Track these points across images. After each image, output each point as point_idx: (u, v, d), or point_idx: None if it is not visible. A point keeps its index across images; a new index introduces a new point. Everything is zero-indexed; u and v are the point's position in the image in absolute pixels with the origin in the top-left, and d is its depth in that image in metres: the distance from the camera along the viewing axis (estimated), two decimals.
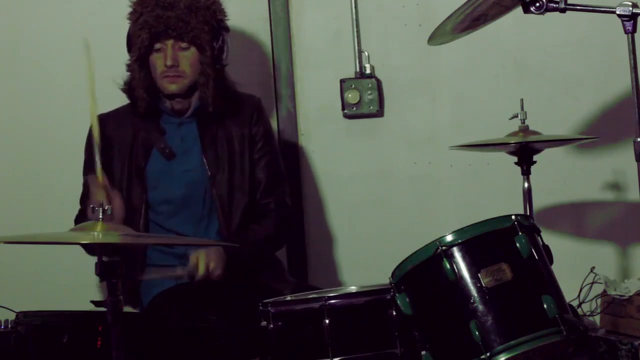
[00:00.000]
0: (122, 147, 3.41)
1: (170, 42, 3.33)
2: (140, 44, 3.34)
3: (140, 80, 3.37)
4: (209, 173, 3.38)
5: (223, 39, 3.40)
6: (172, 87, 3.35)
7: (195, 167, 3.38)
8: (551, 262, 2.82)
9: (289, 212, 3.51)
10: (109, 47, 3.85)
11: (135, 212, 3.36)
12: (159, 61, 3.34)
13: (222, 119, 3.42)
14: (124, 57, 3.45)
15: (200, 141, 3.40)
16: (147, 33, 3.32)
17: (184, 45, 3.34)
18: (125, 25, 3.44)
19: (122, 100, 3.48)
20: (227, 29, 3.43)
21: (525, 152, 3.47)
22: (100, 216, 2.53)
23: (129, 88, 3.41)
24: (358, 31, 3.98)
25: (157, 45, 3.34)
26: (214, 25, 3.38)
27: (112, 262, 2.52)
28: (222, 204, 3.37)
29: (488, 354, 2.63)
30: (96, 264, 2.53)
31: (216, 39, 3.38)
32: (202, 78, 3.36)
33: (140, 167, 3.39)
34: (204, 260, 3.17)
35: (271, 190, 3.45)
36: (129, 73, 3.41)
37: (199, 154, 3.40)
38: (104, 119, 3.44)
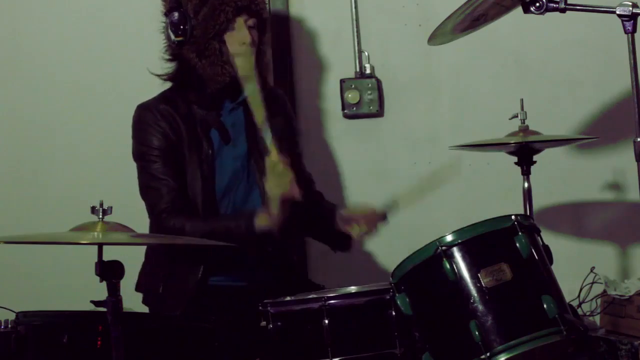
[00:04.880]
0: (180, 132, 3.31)
1: (242, 20, 3.29)
2: (224, 18, 3.26)
3: (223, 56, 3.26)
4: (253, 159, 3.34)
5: None
6: (247, 66, 3.26)
7: (242, 154, 3.35)
8: (551, 262, 2.82)
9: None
10: (112, 45, 3.89)
11: (212, 201, 3.30)
12: (230, 39, 3.28)
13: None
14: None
15: (246, 128, 3.37)
16: (232, 7, 3.26)
17: (250, 23, 3.29)
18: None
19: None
20: None
21: (525, 152, 3.47)
22: (100, 216, 2.53)
23: (182, 73, 3.33)
24: (358, 31, 3.99)
25: (231, 23, 3.28)
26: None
27: (112, 262, 2.53)
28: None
29: (488, 354, 2.63)
30: (96, 263, 2.54)
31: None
32: (262, 60, 3.35)
33: (209, 153, 3.31)
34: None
35: (311, 180, 3.49)
36: (186, 58, 3.30)
37: (245, 141, 3.36)
38: (150, 107, 3.33)
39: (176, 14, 3.30)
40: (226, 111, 3.36)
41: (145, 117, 3.32)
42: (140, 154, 3.32)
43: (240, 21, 3.29)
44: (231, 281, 3.33)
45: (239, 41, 3.28)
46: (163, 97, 3.37)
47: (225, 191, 3.33)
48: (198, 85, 3.31)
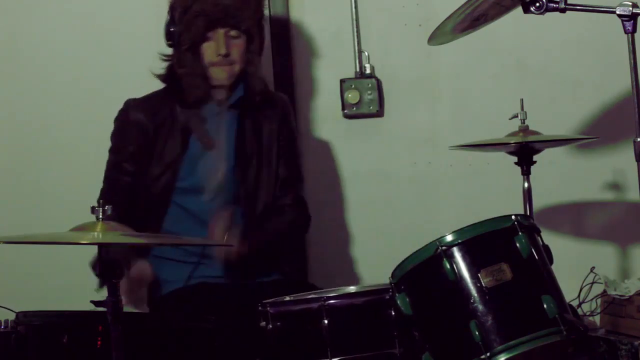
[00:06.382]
0: (158, 133, 3.37)
1: (222, 31, 3.32)
2: (195, 31, 3.31)
3: (196, 68, 3.33)
4: (238, 165, 3.37)
5: (264, 30, 3.44)
6: (222, 76, 3.34)
7: (228, 157, 3.37)
8: (551, 262, 2.82)
9: (306, 207, 3.53)
10: (113, 41, 3.89)
11: (162, 199, 3.35)
12: (209, 50, 3.33)
13: (255, 113, 3.41)
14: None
15: (235, 133, 3.39)
16: (204, 20, 3.30)
17: (233, 33, 3.33)
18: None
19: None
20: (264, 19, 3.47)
21: (525, 152, 3.47)
22: (100, 216, 2.54)
23: (172, 76, 3.38)
24: (358, 31, 3.98)
25: (209, 34, 3.32)
26: (261, 16, 3.42)
27: (112, 263, 2.52)
28: (248, 196, 3.36)
29: (488, 354, 2.63)
30: (96, 263, 2.54)
31: (262, 30, 3.42)
32: (251, 67, 3.37)
33: (177, 153, 3.36)
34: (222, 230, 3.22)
35: (291, 186, 3.47)
36: (173, 62, 3.37)
37: (233, 145, 3.39)
38: (137, 104, 3.41)
39: (168, 18, 3.37)
40: (213, 115, 3.39)
41: (125, 115, 3.41)
42: (113, 148, 3.41)
43: (220, 32, 3.32)
44: (222, 279, 3.35)
45: (215, 52, 3.32)
46: (150, 97, 3.44)
47: (202, 189, 3.35)
48: (180, 90, 3.37)
